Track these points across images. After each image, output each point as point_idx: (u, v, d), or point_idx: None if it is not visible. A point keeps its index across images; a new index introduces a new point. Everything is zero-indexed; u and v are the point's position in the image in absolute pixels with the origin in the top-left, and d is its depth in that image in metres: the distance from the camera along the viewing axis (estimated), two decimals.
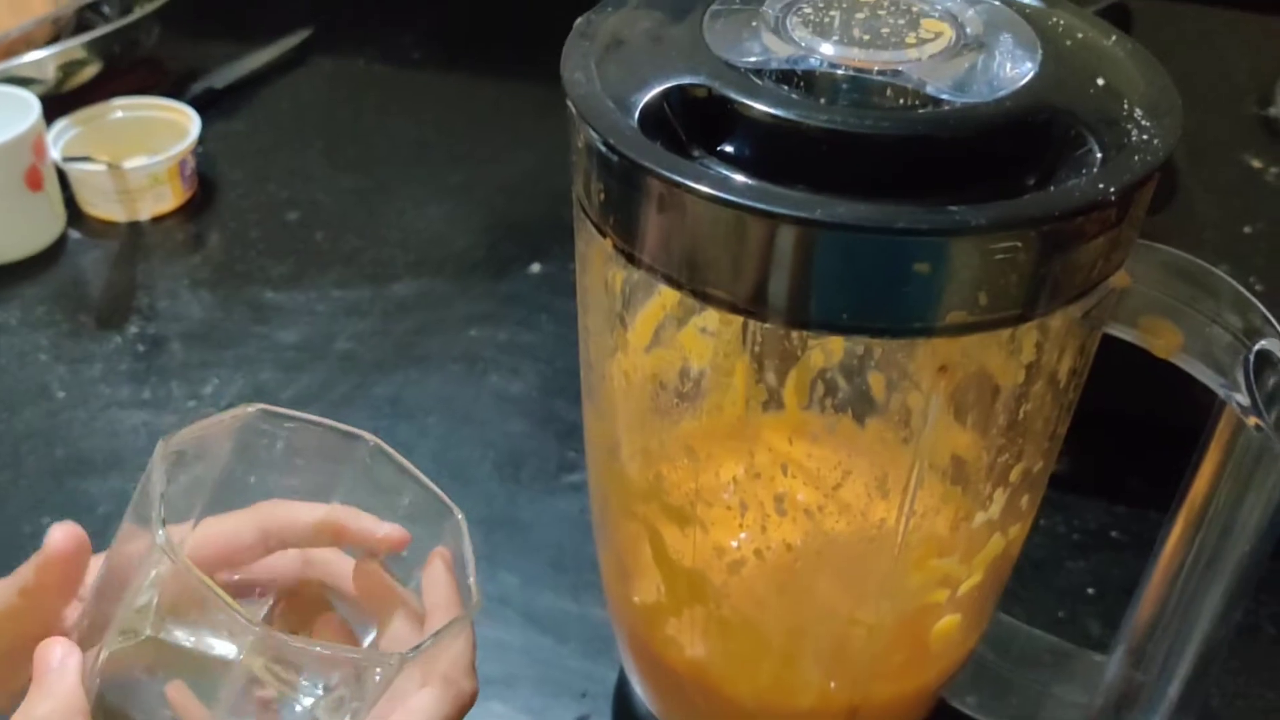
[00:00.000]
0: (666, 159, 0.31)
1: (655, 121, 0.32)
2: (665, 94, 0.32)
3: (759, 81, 0.32)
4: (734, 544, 0.38)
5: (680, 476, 0.38)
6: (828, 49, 0.33)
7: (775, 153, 0.32)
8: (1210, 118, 0.73)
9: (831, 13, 0.35)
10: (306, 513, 0.40)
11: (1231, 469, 0.35)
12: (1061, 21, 0.36)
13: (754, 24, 0.34)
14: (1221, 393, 0.33)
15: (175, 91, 0.92)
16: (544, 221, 0.83)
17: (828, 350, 0.37)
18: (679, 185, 0.30)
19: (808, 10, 0.35)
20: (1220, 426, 0.34)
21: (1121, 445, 0.62)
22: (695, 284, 0.32)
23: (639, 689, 0.48)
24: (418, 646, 0.35)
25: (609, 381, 0.39)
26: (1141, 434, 0.60)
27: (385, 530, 0.40)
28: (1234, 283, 0.34)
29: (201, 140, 0.85)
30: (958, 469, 0.37)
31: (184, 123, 0.85)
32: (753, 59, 0.33)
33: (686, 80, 0.32)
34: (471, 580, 0.38)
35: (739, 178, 0.31)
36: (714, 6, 0.36)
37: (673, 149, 0.32)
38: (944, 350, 0.32)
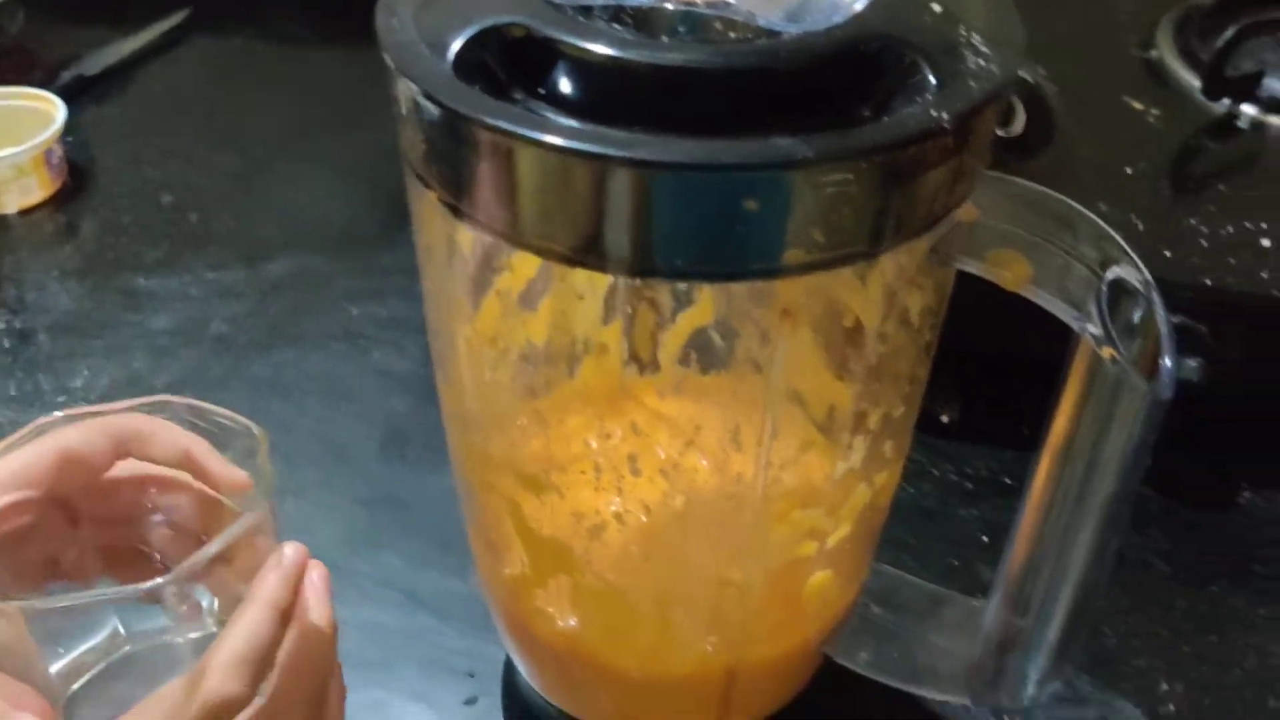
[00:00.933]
0: (482, 104, 0.29)
1: (472, 66, 0.31)
2: (481, 36, 0.31)
3: (580, 19, 0.31)
4: (592, 510, 0.36)
5: (533, 443, 0.36)
6: None
7: (599, 93, 0.30)
8: (1091, 60, 0.73)
9: None
10: (165, 431, 0.40)
11: (1092, 404, 0.34)
12: None
13: None
14: (1075, 325, 0.32)
15: (46, 80, 0.88)
16: None
17: (675, 300, 0.36)
18: (495, 130, 0.29)
19: None
20: (1077, 361, 0.34)
21: (1010, 391, 0.61)
22: (522, 236, 0.30)
23: (519, 665, 0.46)
24: (156, 581, 0.35)
25: (455, 348, 0.37)
26: (1029, 378, 0.60)
27: (232, 475, 0.40)
28: (1088, 212, 0.34)
29: (74, 129, 0.82)
30: (814, 417, 0.35)
31: (50, 111, 0.81)
32: None
33: (503, 20, 0.31)
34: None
35: (561, 120, 0.29)
36: None
37: (493, 94, 0.30)
38: (787, 292, 0.31)
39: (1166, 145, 0.67)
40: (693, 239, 0.29)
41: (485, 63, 0.31)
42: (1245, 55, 0.69)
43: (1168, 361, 0.32)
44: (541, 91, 0.31)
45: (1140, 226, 0.60)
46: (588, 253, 0.30)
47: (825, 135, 0.28)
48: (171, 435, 0.40)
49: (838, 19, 0.31)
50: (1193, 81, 0.71)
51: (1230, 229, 0.60)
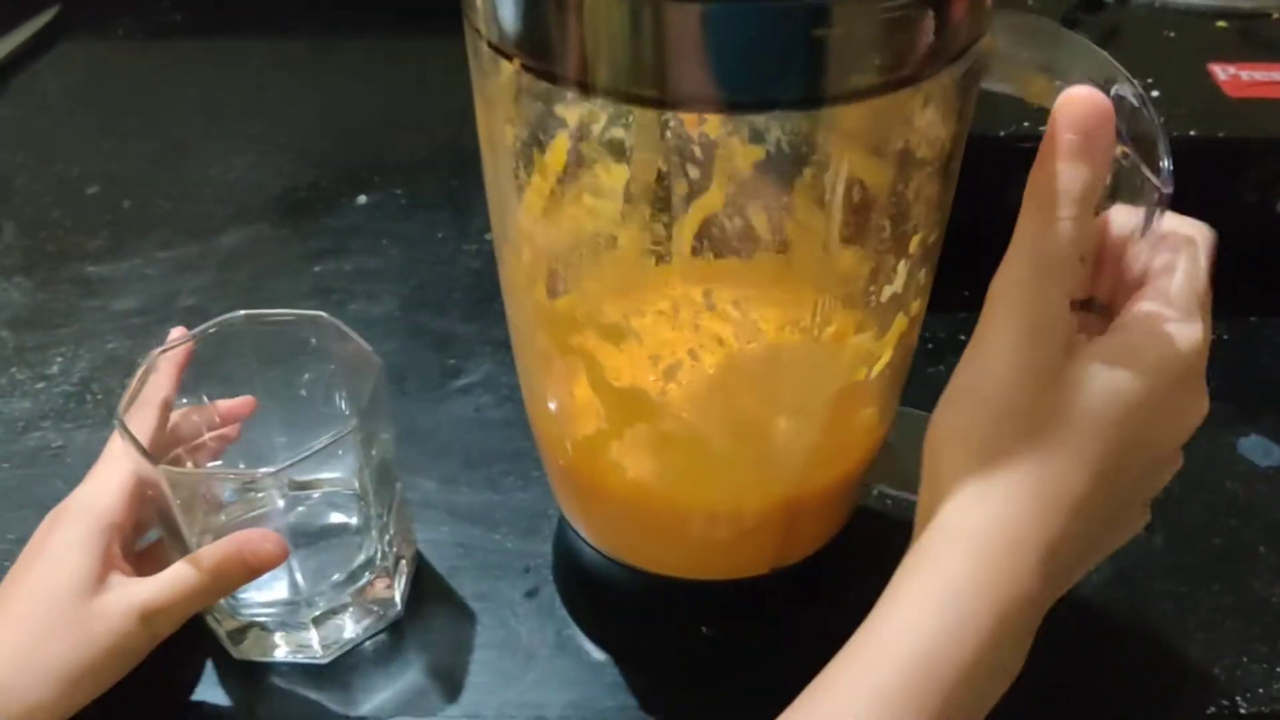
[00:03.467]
0: None
1: None
2: None
3: None
4: (669, 351, 0.39)
5: (612, 293, 0.39)
6: None
7: None
8: None
9: None
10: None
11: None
12: None
13: None
14: None
15: None
16: (355, 155, 0.82)
17: (743, 141, 0.39)
18: None
19: None
20: None
21: (953, 265, 0.67)
22: (611, 85, 0.33)
23: (585, 530, 0.49)
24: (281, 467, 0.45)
25: (526, 220, 0.40)
26: (967, 252, 0.66)
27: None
28: (1083, 38, 0.38)
29: None
30: (868, 243, 0.39)
31: None
32: None
33: None
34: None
35: None
36: None
37: None
38: (852, 117, 0.35)
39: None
40: (777, 70, 0.33)
41: None
42: None
43: (1166, 162, 0.37)
44: None
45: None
46: (667, 92, 0.33)
47: None
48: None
49: None
50: None
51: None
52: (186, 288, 0.70)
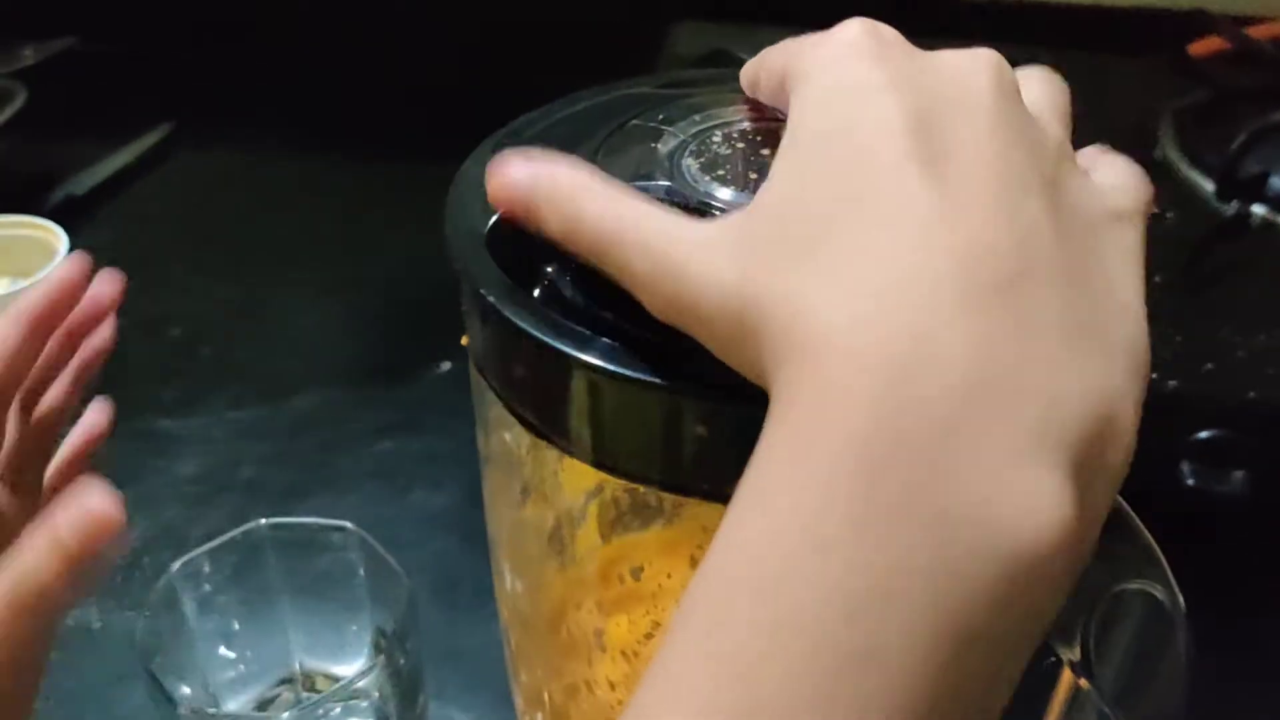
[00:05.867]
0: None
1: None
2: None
3: None
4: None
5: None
6: (699, 181, 0.33)
7: None
8: None
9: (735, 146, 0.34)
10: None
11: None
12: None
13: (653, 145, 0.34)
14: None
15: (33, 203, 0.86)
16: (444, 314, 0.80)
17: None
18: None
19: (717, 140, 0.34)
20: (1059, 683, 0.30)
21: None
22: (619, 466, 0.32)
23: None
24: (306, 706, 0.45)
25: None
26: None
27: None
28: (1137, 520, 0.29)
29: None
30: None
31: (50, 241, 0.79)
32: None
33: None
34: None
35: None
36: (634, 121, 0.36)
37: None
38: None
39: (1185, 247, 0.69)
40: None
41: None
42: (1251, 157, 0.71)
43: (1173, 695, 0.29)
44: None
45: (1178, 338, 0.61)
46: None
47: None
48: None
49: None
50: (1199, 180, 0.73)
51: (1263, 337, 0.61)
52: (250, 456, 0.68)
